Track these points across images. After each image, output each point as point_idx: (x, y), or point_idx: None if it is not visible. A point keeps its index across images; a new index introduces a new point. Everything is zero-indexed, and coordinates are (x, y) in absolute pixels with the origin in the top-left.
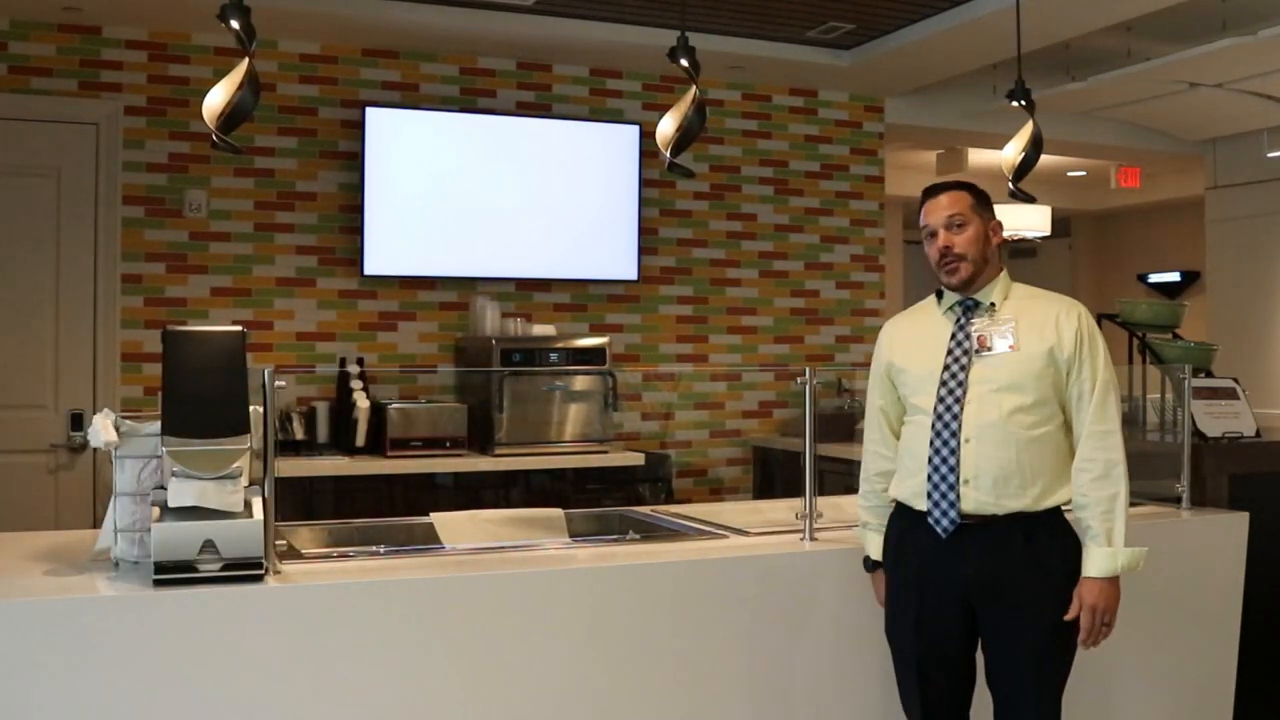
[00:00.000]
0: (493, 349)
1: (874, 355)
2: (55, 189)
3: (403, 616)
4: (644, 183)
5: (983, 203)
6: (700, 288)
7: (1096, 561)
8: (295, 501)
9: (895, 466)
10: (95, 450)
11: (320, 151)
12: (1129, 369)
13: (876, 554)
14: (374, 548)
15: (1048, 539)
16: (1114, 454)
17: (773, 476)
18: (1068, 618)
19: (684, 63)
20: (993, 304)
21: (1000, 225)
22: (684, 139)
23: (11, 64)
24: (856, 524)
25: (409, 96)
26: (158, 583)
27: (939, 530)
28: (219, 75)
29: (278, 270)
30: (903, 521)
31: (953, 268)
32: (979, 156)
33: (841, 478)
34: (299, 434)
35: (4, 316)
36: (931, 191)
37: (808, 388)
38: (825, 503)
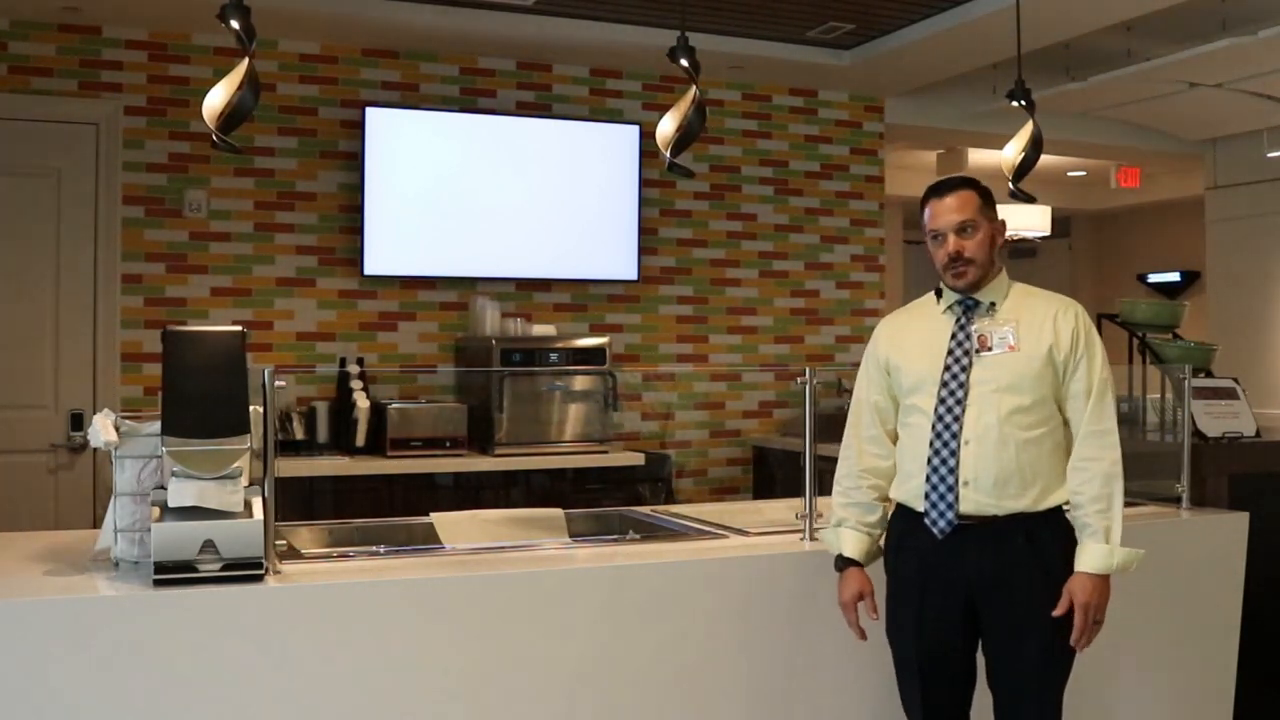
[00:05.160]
0: (493, 349)
1: (868, 351)
2: (55, 189)
3: (403, 616)
4: (644, 183)
5: (988, 203)
6: (700, 288)
7: (1093, 558)
8: (295, 501)
9: (887, 463)
10: (95, 450)
11: (320, 151)
12: (1129, 369)
13: (851, 550)
14: (374, 548)
15: (1049, 538)
16: (1111, 453)
17: (773, 476)
18: (1056, 613)
19: (684, 63)
20: (993, 304)
21: (1004, 225)
22: (684, 139)
23: (11, 64)
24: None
25: (409, 96)
26: (158, 583)
27: (935, 531)
28: (219, 75)
29: (278, 270)
30: (903, 522)
31: (961, 272)
32: (979, 156)
33: None
34: (299, 434)
35: (4, 316)
36: (938, 191)
37: (808, 388)
38: (825, 503)
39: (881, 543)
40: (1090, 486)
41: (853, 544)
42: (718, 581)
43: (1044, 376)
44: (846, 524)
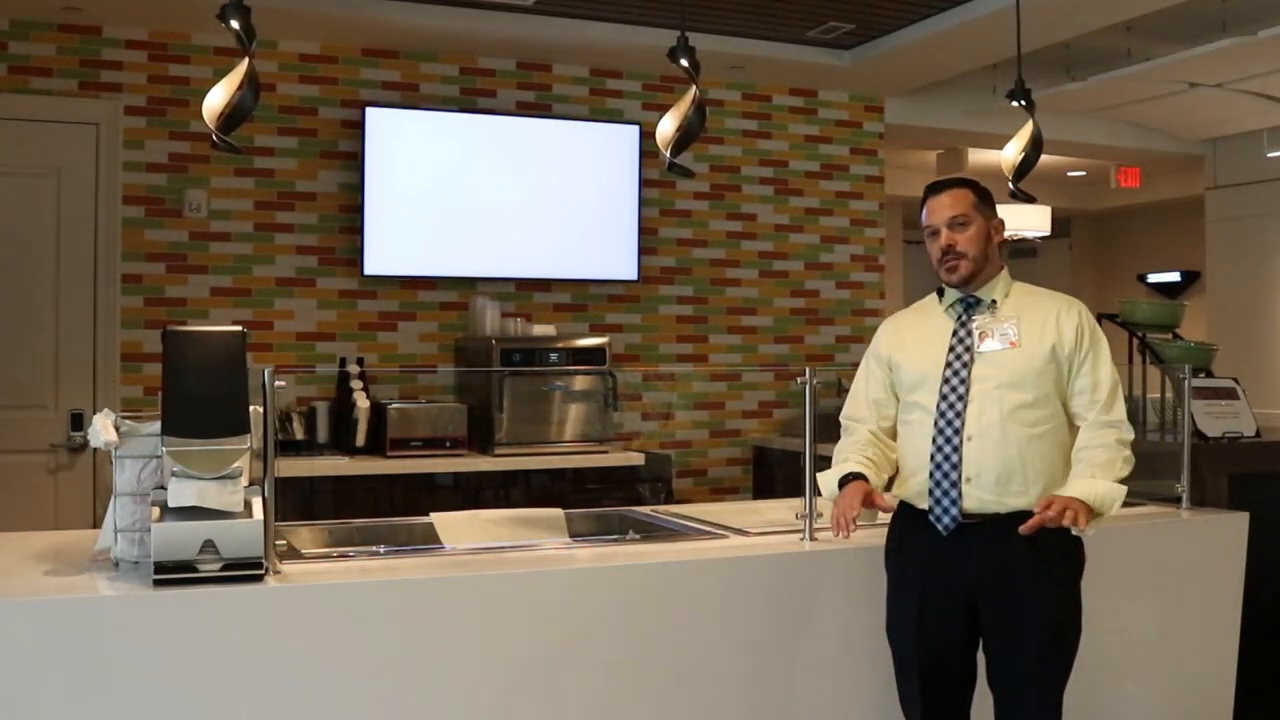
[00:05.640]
0: (493, 349)
1: (870, 349)
2: (55, 189)
3: (403, 616)
4: (644, 183)
5: (985, 201)
6: (700, 288)
7: (1075, 487)
8: (295, 501)
9: (884, 445)
10: (95, 450)
11: (320, 151)
12: (1129, 369)
13: (857, 469)
14: (374, 548)
15: (1051, 538)
16: (1120, 433)
17: (773, 476)
18: (1023, 528)
19: (684, 63)
20: (994, 301)
21: (1002, 224)
22: (684, 139)
23: (11, 64)
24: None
25: (409, 96)
26: (158, 583)
27: (939, 528)
28: (219, 75)
29: (278, 270)
30: (905, 521)
31: (953, 265)
32: (979, 156)
33: None
34: (299, 434)
35: (4, 316)
36: (934, 189)
37: (808, 388)
38: (826, 503)
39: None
40: (1093, 453)
41: (858, 468)
42: (718, 581)
43: (1046, 373)
44: (852, 460)
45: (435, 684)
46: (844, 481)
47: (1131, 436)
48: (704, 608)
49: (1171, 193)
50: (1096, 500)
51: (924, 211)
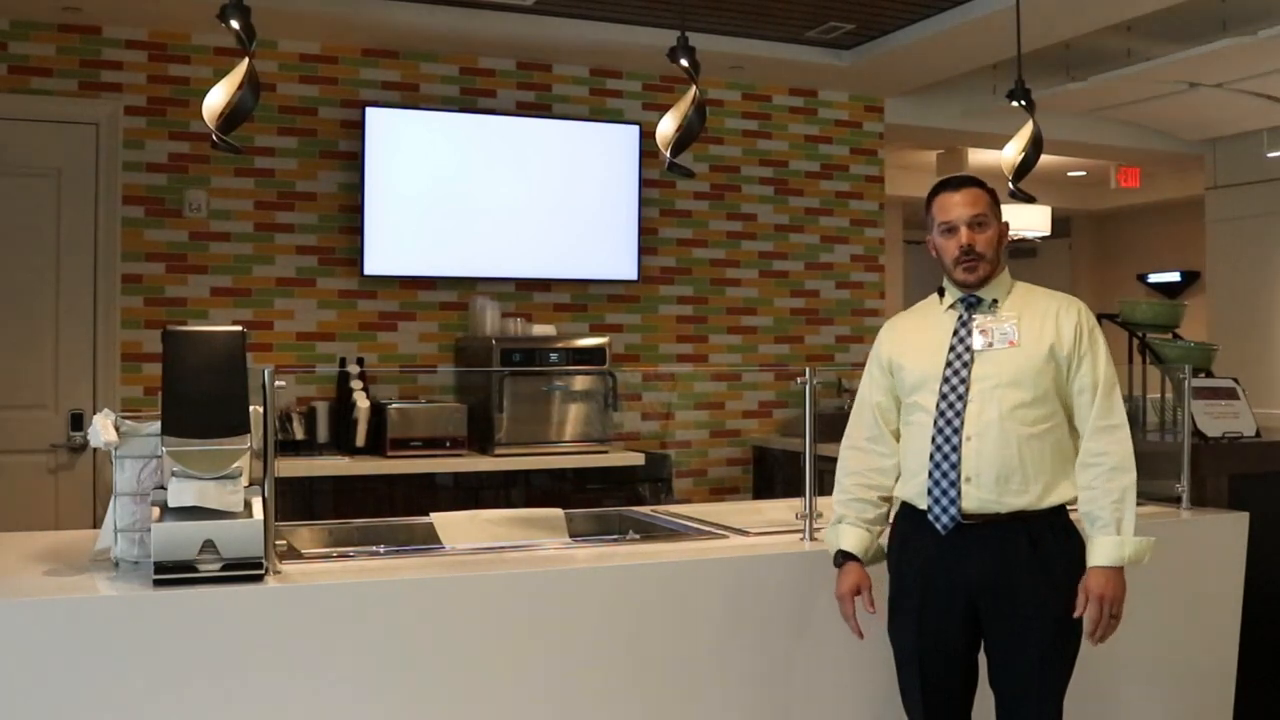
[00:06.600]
0: (493, 349)
1: (872, 353)
2: (55, 189)
3: (403, 616)
4: (644, 183)
5: (997, 203)
6: (700, 288)
7: (1104, 550)
8: (295, 501)
9: (889, 461)
10: (95, 450)
11: (320, 151)
12: (1129, 369)
13: (849, 545)
14: (374, 548)
15: (1052, 540)
16: (1123, 447)
17: (773, 476)
18: (1076, 614)
19: (684, 63)
20: (995, 301)
21: (1008, 226)
22: (684, 139)
23: (11, 64)
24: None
25: (409, 96)
26: (158, 583)
27: (938, 527)
28: (219, 75)
29: (278, 270)
30: (906, 522)
31: (972, 266)
32: (979, 156)
33: None
34: (299, 434)
35: (4, 316)
36: (953, 185)
37: (808, 388)
38: (825, 503)
39: (882, 540)
40: (1101, 480)
41: (852, 539)
42: (718, 581)
43: (1046, 372)
44: (846, 520)
45: (435, 684)
46: (839, 555)
47: (1129, 448)
48: (704, 608)
49: (1171, 193)
50: (1131, 560)
51: (937, 206)
